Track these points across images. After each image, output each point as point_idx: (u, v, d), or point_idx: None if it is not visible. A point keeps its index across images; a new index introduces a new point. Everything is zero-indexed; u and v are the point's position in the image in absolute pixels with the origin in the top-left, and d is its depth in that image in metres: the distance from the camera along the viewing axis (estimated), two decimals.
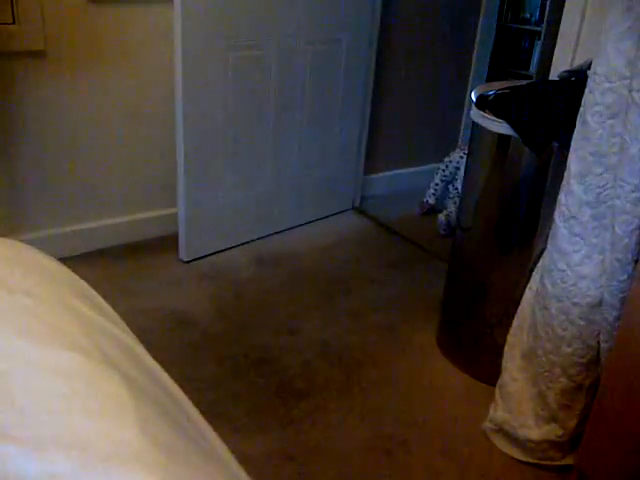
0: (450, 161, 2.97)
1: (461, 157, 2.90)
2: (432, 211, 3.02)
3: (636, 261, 1.30)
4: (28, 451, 0.56)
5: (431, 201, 3.05)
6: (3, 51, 2.04)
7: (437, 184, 3.01)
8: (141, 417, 0.61)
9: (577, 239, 1.42)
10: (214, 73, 2.26)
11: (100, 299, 0.90)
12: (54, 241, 2.34)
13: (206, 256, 2.50)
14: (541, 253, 1.58)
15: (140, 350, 0.80)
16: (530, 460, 1.63)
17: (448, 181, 2.99)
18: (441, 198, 3.03)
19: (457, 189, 2.87)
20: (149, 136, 2.46)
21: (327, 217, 2.93)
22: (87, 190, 2.39)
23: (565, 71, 1.75)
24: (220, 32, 2.21)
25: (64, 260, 0.92)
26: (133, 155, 2.45)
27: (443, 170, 2.99)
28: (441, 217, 2.88)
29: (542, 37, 4.39)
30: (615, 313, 1.37)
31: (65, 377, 0.65)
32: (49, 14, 2.07)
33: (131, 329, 0.90)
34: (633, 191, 1.26)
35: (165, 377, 0.78)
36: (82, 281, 0.92)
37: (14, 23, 2.02)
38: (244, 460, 1.66)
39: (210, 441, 0.72)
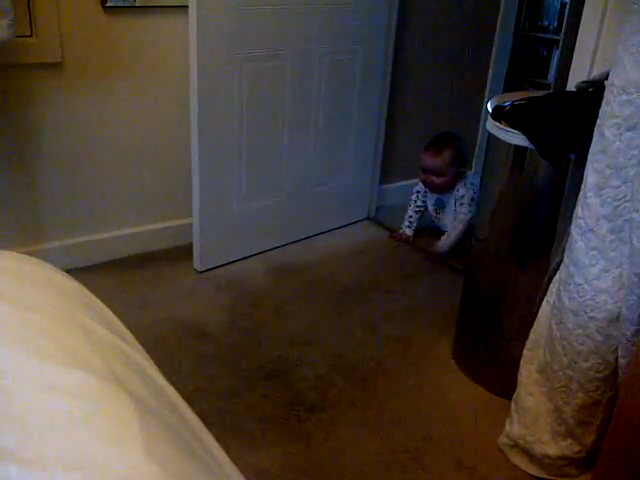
0: (418, 191, 2.87)
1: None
2: (408, 242, 2.84)
3: None
4: (30, 472, 0.55)
5: (408, 232, 2.87)
6: (21, 63, 2.06)
7: (411, 216, 2.88)
8: (148, 439, 0.60)
9: (594, 252, 1.39)
10: (229, 83, 2.26)
11: (112, 316, 0.89)
12: (69, 251, 2.35)
13: (220, 266, 2.50)
14: (558, 266, 1.56)
15: (151, 369, 0.78)
16: (546, 476, 1.60)
17: (422, 211, 2.88)
18: (418, 229, 2.89)
19: (466, 211, 2.70)
20: (164, 146, 2.47)
21: (342, 227, 2.93)
22: (102, 200, 2.41)
23: (582, 82, 1.73)
24: (235, 43, 2.21)
25: (79, 270, 0.91)
26: (148, 165, 2.46)
27: (415, 200, 2.88)
28: (444, 243, 2.73)
29: (560, 46, 4.35)
30: (633, 328, 1.34)
31: (72, 396, 0.64)
32: (66, 26, 2.09)
33: (144, 339, 0.89)
34: None
35: (176, 397, 0.77)
36: (94, 297, 0.91)
37: (32, 36, 2.04)
38: (256, 474, 1.65)
39: (220, 464, 0.71)
